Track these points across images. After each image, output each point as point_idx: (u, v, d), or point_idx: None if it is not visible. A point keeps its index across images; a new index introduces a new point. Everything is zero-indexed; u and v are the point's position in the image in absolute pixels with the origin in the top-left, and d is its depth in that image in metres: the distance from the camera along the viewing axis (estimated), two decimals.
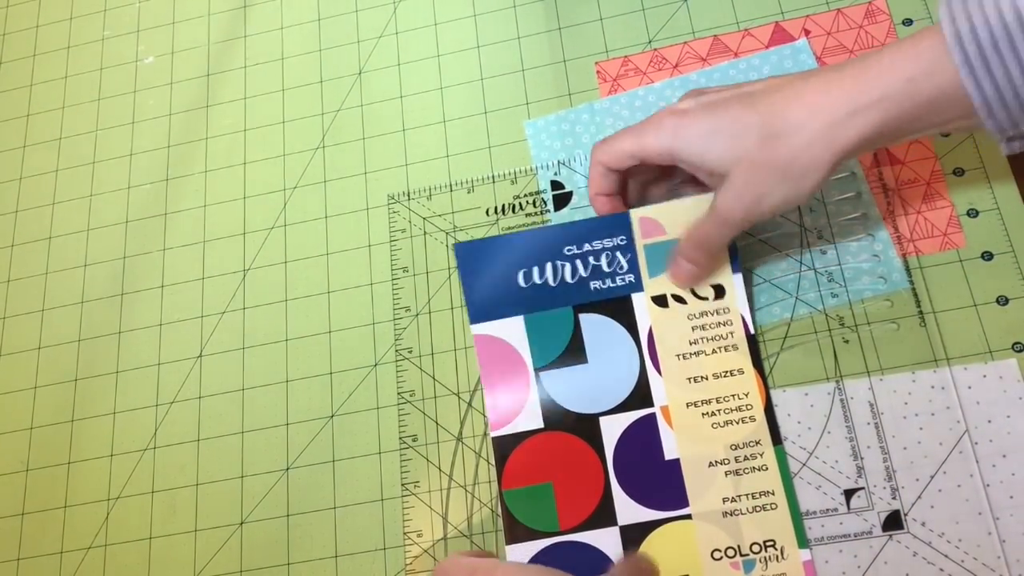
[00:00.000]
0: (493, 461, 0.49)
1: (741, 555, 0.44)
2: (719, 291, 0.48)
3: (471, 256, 0.50)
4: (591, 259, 0.48)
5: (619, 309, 0.48)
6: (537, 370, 0.48)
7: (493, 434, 0.48)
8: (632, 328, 0.48)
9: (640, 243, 0.48)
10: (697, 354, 0.47)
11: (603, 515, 0.46)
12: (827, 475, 0.47)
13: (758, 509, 0.44)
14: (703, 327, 0.47)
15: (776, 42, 0.58)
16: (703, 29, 0.60)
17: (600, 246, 0.48)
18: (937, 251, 0.51)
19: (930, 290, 0.51)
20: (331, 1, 0.68)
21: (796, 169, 0.40)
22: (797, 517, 0.45)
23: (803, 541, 0.44)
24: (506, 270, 0.49)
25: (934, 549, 0.46)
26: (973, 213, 0.52)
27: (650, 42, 0.60)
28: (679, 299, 0.48)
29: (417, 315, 0.57)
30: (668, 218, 0.48)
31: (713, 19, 0.60)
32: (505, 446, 0.48)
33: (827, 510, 0.47)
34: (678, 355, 0.47)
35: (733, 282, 0.48)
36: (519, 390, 0.49)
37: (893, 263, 0.51)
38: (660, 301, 0.48)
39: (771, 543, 0.44)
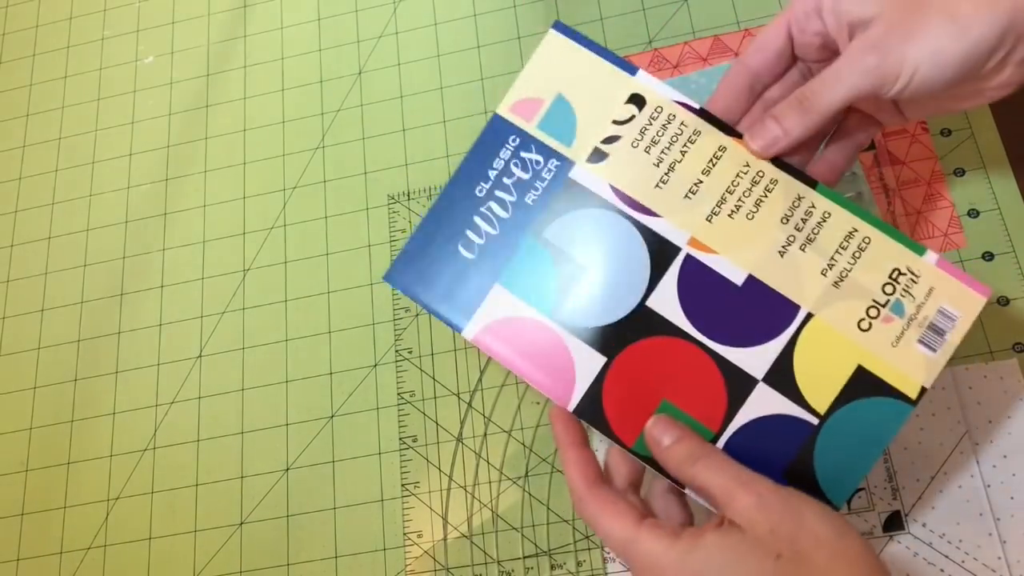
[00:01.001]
0: (598, 440, 0.39)
1: (883, 306, 0.38)
2: (637, 101, 0.41)
3: (409, 273, 0.43)
4: (506, 179, 0.42)
5: (570, 198, 0.41)
6: (551, 316, 0.41)
7: (571, 408, 0.40)
8: (596, 201, 0.41)
9: (532, 128, 0.42)
10: (671, 168, 0.40)
11: (738, 384, 0.39)
12: None
13: (858, 254, 0.39)
14: (653, 142, 0.41)
15: None
16: (703, 29, 0.60)
17: (502, 163, 0.42)
18: (938, 251, 0.51)
19: None
20: (331, 1, 0.68)
21: (965, 20, 0.35)
22: (893, 232, 0.39)
23: (919, 248, 0.38)
24: (446, 255, 0.43)
25: (934, 550, 0.46)
26: (974, 213, 0.52)
27: (650, 42, 0.60)
28: (610, 140, 0.41)
29: (417, 315, 0.57)
30: (534, 85, 0.42)
31: (713, 19, 0.60)
32: (591, 407, 0.40)
33: None
34: (656, 185, 0.40)
35: (641, 83, 0.41)
36: (553, 349, 0.41)
37: None
38: (596, 157, 0.41)
39: (896, 272, 0.38)
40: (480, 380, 0.54)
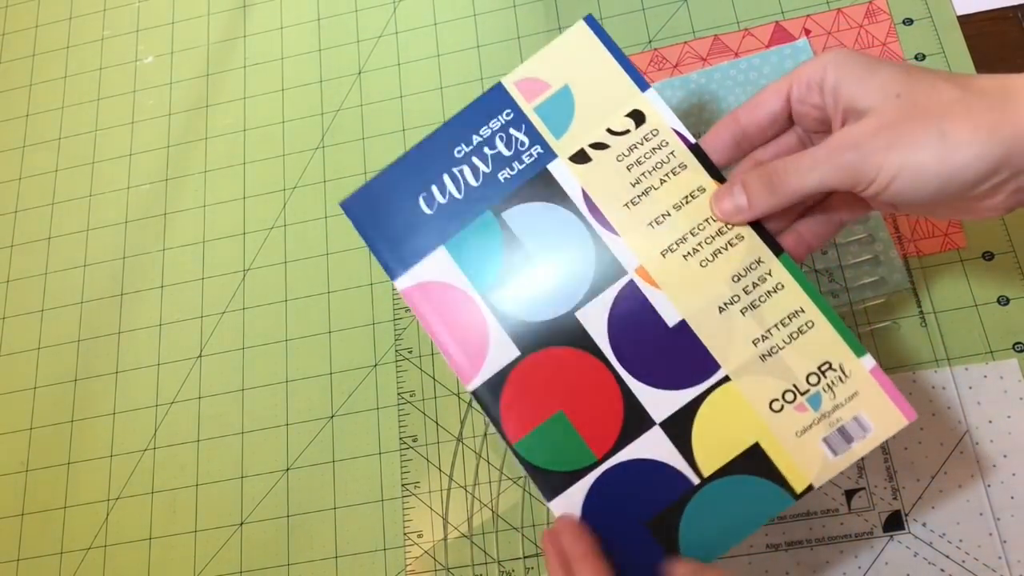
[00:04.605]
0: (487, 423, 0.41)
1: (801, 393, 0.37)
2: (637, 117, 0.41)
3: (365, 208, 0.42)
4: (486, 149, 0.41)
5: (541, 188, 0.41)
6: (483, 295, 0.40)
7: (469, 387, 0.40)
8: (564, 200, 0.40)
9: (529, 109, 0.42)
10: (646, 192, 0.40)
11: (636, 420, 0.38)
12: None
13: (796, 335, 0.37)
14: (638, 161, 0.40)
15: (776, 42, 0.58)
16: (703, 29, 0.60)
17: (489, 132, 0.42)
18: (938, 251, 0.51)
19: (931, 290, 0.51)
20: (331, 1, 0.68)
21: (955, 140, 0.33)
22: (839, 325, 0.37)
23: (859, 348, 0.37)
24: (405, 203, 0.42)
25: (935, 549, 0.46)
26: None
27: (650, 42, 0.60)
28: (598, 146, 0.41)
29: None
30: (546, 68, 0.42)
31: (713, 19, 0.60)
32: (489, 395, 0.39)
33: (828, 510, 0.47)
34: (626, 204, 0.40)
35: (647, 100, 0.41)
36: (475, 327, 0.40)
37: (894, 263, 0.51)
38: (579, 158, 0.41)
39: (827, 366, 0.37)
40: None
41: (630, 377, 0.38)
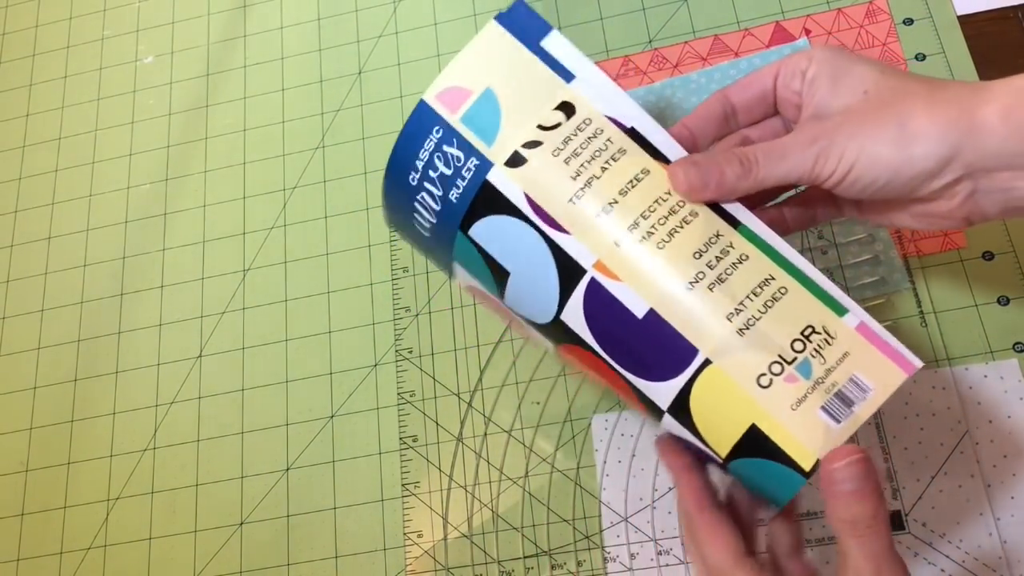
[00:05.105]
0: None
1: (788, 363, 0.34)
2: (567, 108, 0.38)
3: (403, 230, 0.43)
4: (431, 172, 0.39)
5: (488, 201, 0.38)
6: (504, 304, 0.40)
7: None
8: (510, 208, 0.38)
9: (455, 120, 0.39)
10: (588, 184, 0.37)
11: (652, 407, 0.37)
12: None
13: (770, 303, 0.35)
14: (575, 153, 0.37)
15: (776, 41, 0.58)
16: (703, 29, 0.60)
17: (427, 154, 0.39)
18: (938, 251, 0.51)
19: (931, 290, 0.51)
20: (331, 1, 0.68)
21: (912, 130, 0.33)
22: (814, 287, 0.35)
23: (839, 308, 0.35)
24: (412, 230, 0.42)
25: (935, 550, 0.46)
26: None
27: (650, 42, 0.60)
28: (531, 144, 0.38)
29: (417, 315, 0.57)
30: (464, 74, 0.39)
31: (713, 19, 0.60)
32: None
33: None
34: (570, 199, 0.37)
35: (574, 90, 0.38)
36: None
37: (894, 263, 0.51)
38: (514, 161, 0.38)
39: (810, 330, 0.34)
40: (480, 380, 0.54)
41: (626, 372, 0.37)
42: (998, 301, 0.50)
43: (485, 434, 0.53)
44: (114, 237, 0.64)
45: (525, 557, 0.50)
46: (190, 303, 0.61)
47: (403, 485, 0.53)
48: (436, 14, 0.65)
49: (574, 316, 0.37)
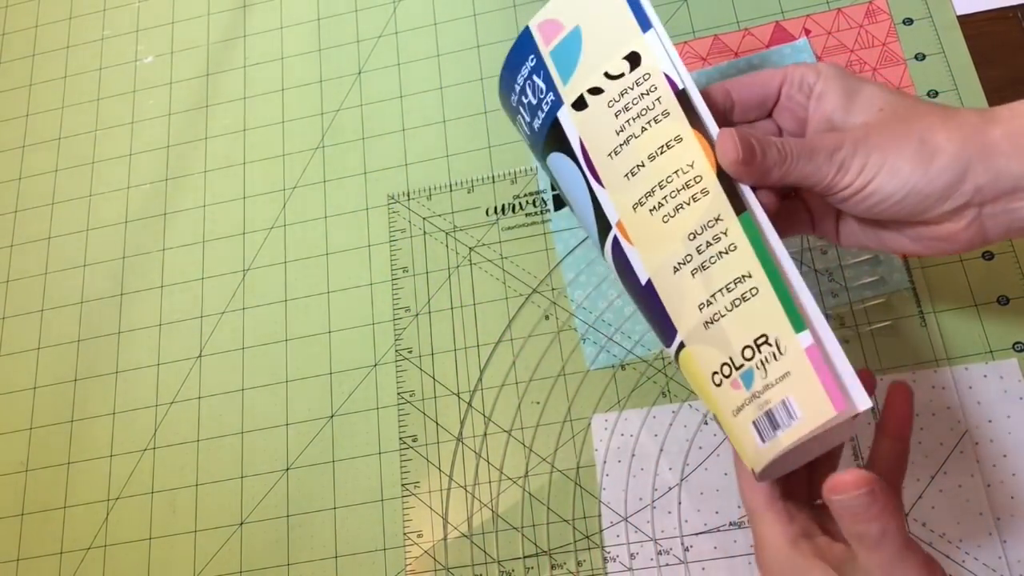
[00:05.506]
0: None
1: (736, 368, 0.33)
2: (633, 59, 0.38)
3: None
4: (524, 98, 0.41)
5: (556, 138, 0.39)
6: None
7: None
8: (570, 151, 0.39)
9: (546, 53, 0.40)
10: (627, 142, 0.37)
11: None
12: None
13: (738, 302, 0.33)
14: (626, 108, 0.37)
15: (776, 41, 0.58)
16: (703, 29, 0.60)
17: (522, 80, 0.41)
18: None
19: (930, 290, 0.51)
20: (331, 1, 0.68)
21: (933, 145, 0.33)
22: (784, 295, 0.33)
23: (799, 323, 0.32)
24: (521, 133, 0.44)
25: (935, 549, 0.46)
26: None
27: None
28: (595, 91, 0.38)
29: (417, 315, 0.57)
30: (563, 8, 0.40)
31: (713, 19, 0.60)
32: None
33: None
34: (610, 154, 0.37)
35: (645, 43, 0.38)
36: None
37: (893, 263, 0.51)
38: (579, 104, 0.38)
39: (763, 340, 0.33)
40: (480, 380, 0.54)
41: (645, 319, 0.39)
42: (998, 301, 0.50)
43: (485, 434, 0.53)
44: (114, 237, 0.64)
45: (525, 557, 0.50)
46: (190, 303, 0.61)
47: (403, 485, 0.53)
48: (436, 14, 0.65)
49: (608, 261, 0.39)
